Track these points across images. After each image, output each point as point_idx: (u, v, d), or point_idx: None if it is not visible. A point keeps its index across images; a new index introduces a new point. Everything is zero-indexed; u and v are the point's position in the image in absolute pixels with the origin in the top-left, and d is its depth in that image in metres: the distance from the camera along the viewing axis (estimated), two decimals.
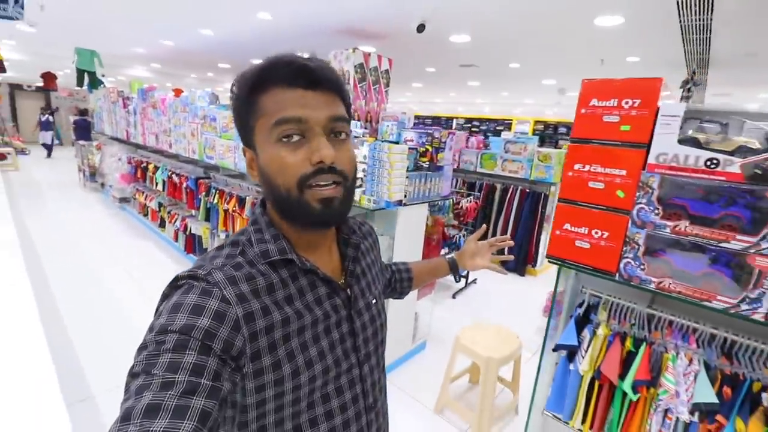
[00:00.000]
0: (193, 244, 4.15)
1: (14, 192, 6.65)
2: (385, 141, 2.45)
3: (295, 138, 0.54)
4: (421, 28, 3.74)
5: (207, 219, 3.80)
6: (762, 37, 3.48)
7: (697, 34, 3.38)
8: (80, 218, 5.62)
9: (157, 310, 0.53)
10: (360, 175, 2.29)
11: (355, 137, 2.49)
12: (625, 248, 1.30)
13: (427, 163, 2.49)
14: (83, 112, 9.91)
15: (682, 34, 3.48)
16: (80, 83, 6.46)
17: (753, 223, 1.08)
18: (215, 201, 3.53)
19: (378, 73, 3.03)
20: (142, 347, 0.47)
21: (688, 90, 3.85)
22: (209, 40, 5.89)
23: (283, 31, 4.81)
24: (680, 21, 3.21)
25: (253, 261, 0.58)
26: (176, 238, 4.41)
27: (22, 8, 2.06)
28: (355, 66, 2.86)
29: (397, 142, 2.53)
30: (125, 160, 5.71)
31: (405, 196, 2.29)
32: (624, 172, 1.28)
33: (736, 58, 4.12)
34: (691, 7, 2.96)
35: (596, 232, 1.36)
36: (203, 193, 3.74)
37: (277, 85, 0.54)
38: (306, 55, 0.57)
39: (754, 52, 3.77)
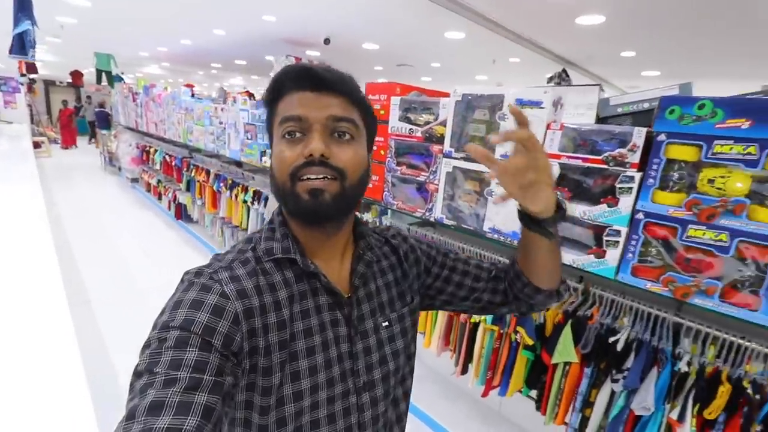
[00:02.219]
0: (180, 211, 5.15)
1: (47, 174, 7.87)
2: None
3: (297, 135, 0.55)
4: (327, 41, 4.60)
5: (188, 189, 4.77)
6: (579, 43, 4.31)
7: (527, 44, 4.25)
8: (99, 195, 6.75)
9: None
10: None
11: None
12: (384, 186, 2.13)
13: None
14: (101, 105, 11.18)
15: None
16: (99, 81, 7.60)
17: (431, 164, 1.90)
18: (193, 174, 4.49)
19: None
20: (146, 345, 0.48)
21: (558, 84, 4.51)
22: (189, 48, 7.11)
23: (237, 41, 5.94)
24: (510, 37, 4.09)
25: (260, 258, 0.59)
26: (169, 207, 5.43)
27: (34, 55, 3.06)
28: None
29: None
30: (134, 146, 6.79)
31: None
32: (383, 139, 2.11)
33: (589, 59, 4.97)
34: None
35: (374, 177, 2.20)
36: (185, 169, 4.72)
37: (290, 89, 0.56)
38: (320, 64, 0.58)
39: (592, 55, 4.62)
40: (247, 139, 3.43)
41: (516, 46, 4.29)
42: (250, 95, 5.62)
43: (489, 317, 1.67)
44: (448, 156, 1.79)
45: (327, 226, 0.60)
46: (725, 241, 1.12)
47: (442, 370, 2.22)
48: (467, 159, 1.71)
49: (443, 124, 1.80)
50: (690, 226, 1.17)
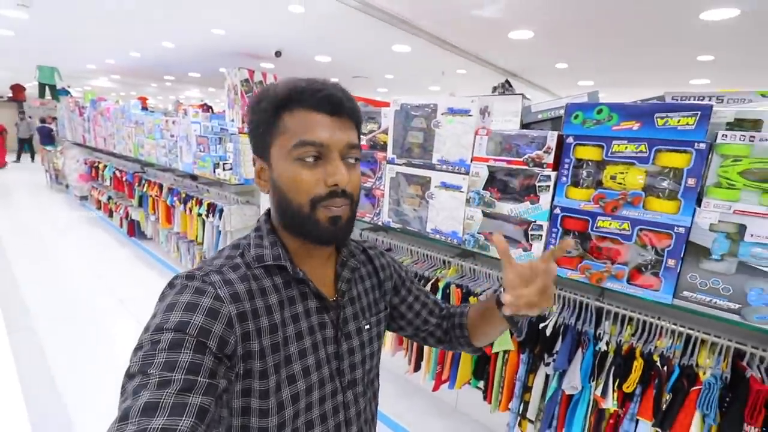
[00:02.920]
0: (133, 228, 4.96)
1: None
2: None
3: (313, 159, 0.56)
4: (278, 54, 4.68)
5: (141, 205, 4.62)
6: (516, 56, 4.68)
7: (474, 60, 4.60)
8: (45, 215, 6.35)
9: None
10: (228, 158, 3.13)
11: (232, 134, 3.35)
12: None
13: None
14: (43, 120, 10.62)
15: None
16: (42, 95, 7.22)
17: (376, 170, 1.98)
18: (145, 189, 4.36)
19: (263, 86, 3.89)
20: (138, 347, 0.48)
21: (502, 93, 4.82)
22: (139, 60, 6.98)
23: (188, 54, 5.92)
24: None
25: (250, 264, 0.60)
26: (121, 225, 5.21)
27: None
28: (241, 81, 3.72)
29: None
30: (82, 162, 6.48)
31: None
32: None
33: (528, 71, 5.38)
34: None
35: None
36: (137, 184, 4.56)
37: (304, 107, 0.56)
38: (332, 82, 0.59)
39: (530, 66, 5.05)
40: (200, 151, 3.39)
41: (460, 59, 4.52)
42: (208, 108, 5.53)
43: None
44: (391, 162, 1.87)
45: (339, 244, 0.64)
46: (628, 230, 1.26)
47: (397, 370, 2.28)
48: (409, 164, 1.80)
49: (386, 132, 1.88)
50: (599, 217, 1.30)
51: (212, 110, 5.24)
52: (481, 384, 1.84)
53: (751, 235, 1.10)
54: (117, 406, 0.44)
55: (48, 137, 9.59)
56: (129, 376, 0.46)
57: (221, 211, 3.23)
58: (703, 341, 1.32)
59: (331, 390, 0.63)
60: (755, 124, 1.17)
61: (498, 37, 3.71)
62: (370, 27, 3.55)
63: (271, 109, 0.58)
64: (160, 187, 4.06)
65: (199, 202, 3.49)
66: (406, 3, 2.96)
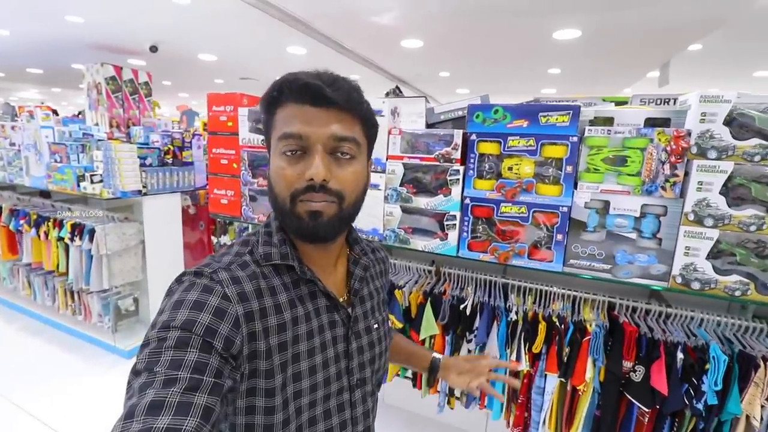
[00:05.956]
0: None
1: None
2: (126, 142, 2.89)
3: (297, 153, 0.55)
4: (153, 49, 4.25)
5: None
6: (407, 64, 5.13)
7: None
8: None
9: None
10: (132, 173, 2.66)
11: (99, 140, 2.86)
12: (242, 200, 2.05)
13: (171, 159, 3.01)
14: None
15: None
16: None
17: None
18: None
19: (135, 84, 3.41)
20: (145, 344, 0.48)
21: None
22: None
23: (28, 45, 4.87)
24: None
25: (259, 261, 0.59)
26: None
27: None
28: (106, 78, 3.20)
29: (146, 144, 2.99)
30: None
31: (145, 187, 2.77)
32: (233, 152, 2.03)
33: (416, 78, 5.94)
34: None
35: (228, 192, 2.08)
36: None
37: (289, 100, 0.56)
38: (323, 72, 0.57)
39: (419, 74, 5.60)
40: (56, 162, 2.82)
41: (355, 65, 4.63)
42: (54, 112, 4.61)
43: None
44: None
45: (323, 242, 0.62)
46: (525, 213, 1.46)
47: None
48: None
49: None
50: (502, 204, 1.48)
51: (57, 114, 4.39)
52: (410, 373, 1.92)
53: (614, 209, 1.38)
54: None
55: None
56: (135, 372, 0.46)
57: (91, 231, 2.73)
58: (584, 300, 1.61)
59: (338, 388, 0.64)
60: (607, 121, 1.47)
61: (391, 44, 3.92)
62: (263, 24, 3.37)
63: (265, 109, 0.59)
64: None
65: (59, 224, 2.89)
66: (303, 1, 2.90)
